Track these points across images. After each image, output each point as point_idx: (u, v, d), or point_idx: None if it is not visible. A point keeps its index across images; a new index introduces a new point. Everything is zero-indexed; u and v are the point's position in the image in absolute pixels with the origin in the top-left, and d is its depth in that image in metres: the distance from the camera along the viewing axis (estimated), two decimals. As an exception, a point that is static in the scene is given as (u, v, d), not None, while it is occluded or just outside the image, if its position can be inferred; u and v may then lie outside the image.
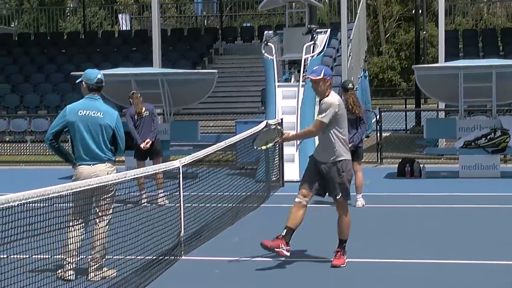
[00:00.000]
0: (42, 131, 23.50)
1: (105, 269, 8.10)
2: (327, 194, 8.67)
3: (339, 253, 8.63)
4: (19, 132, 24.72)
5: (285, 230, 8.41)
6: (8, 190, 6.43)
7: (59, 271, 7.93)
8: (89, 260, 8.09)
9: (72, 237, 7.88)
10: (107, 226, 8.09)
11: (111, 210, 8.15)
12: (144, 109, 13.58)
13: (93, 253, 8.05)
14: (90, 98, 8.36)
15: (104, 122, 8.19)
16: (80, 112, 8.23)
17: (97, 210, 8.06)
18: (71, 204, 7.74)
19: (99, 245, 8.01)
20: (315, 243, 9.92)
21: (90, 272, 8.02)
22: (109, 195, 8.05)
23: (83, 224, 8.07)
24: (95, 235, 8.04)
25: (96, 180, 7.37)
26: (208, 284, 8.11)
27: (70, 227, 7.87)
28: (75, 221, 7.95)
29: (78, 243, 7.97)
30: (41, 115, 25.41)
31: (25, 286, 6.49)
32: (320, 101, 8.63)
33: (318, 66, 8.77)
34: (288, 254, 8.40)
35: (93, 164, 8.14)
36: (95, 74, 8.46)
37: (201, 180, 10.87)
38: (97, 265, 8.03)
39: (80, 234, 8.00)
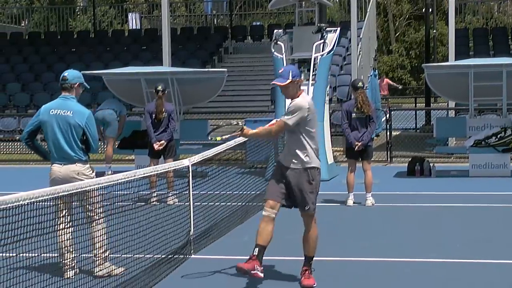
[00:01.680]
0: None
1: (114, 267, 8.14)
2: (293, 206, 7.95)
3: (307, 272, 7.92)
4: (29, 131, 24.75)
5: (257, 249, 7.69)
6: (18, 189, 6.43)
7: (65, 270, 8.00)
8: (93, 259, 8.14)
9: (62, 241, 7.90)
10: (101, 226, 8.08)
11: (100, 209, 8.11)
12: (163, 110, 13.57)
13: (94, 253, 8.11)
14: (63, 97, 8.36)
15: (73, 121, 8.17)
16: (52, 111, 8.27)
17: (87, 213, 8.07)
18: (54, 208, 7.76)
19: (98, 247, 8.06)
20: (324, 243, 9.92)
21: (97, 271, 8.06)
22: (94, 196, 8.00)
23: (69, 225, 8.08)
24: (93, 237, 8.08)
25: (103, 179, 7.38)
26: (218, 283, 8.11)
27: (59, 231, 7.90)
28: (61, 224, 7.97)
29: (69, 245, 7.99)
30: (51, 114, 25.44)
31: (34, 285, 6.50)
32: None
33: (283, 68, 7.93)
34: (263, 275, 7.66)
35: (63, 164, 8.19)
36: (63, 73, 8.47)
37: (210, 179, 10.88)
38: (99, 262, 8.07)
39: (68, 237, 7.99)
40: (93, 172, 8.32)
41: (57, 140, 8.20)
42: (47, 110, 8.32)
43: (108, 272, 8.05)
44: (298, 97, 7.80)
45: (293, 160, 7.74)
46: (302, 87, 8.04)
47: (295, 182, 7.73)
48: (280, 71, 7.87)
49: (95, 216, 8.04)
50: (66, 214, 8.04)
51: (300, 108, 7.68)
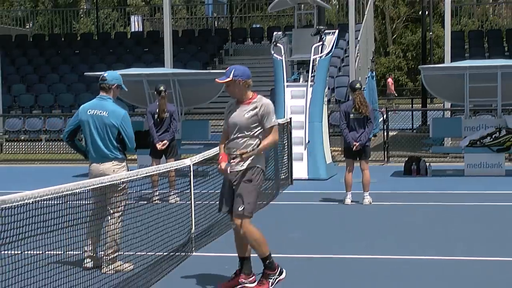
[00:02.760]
0: (57, 130, 23.92)
1: (120, 262, 8.25)
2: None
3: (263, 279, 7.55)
4: (34, 131, 25.01)
5: (239, 263, 7.63)
6: (23, 188, 6.49)
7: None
8: (102, 255, 8.30)
9: (90, 232, 8.18)
10: (118, 223, 8.23)
11: (121, 207, 8.29)
12: (165, 110, 13.82)
13: (104, 248, 8.26)
14: (100, 97, 8.54)
15: (109, 121, 8.33)
16: (89, 111, 8.44)
17: (108, 207, 8.23)
18: (90, 201, 7.98)
19: (110, 241, 8.20)
20: (323, 241, 10.16)
21: (104, 267, 8.18)
22: (118, 192, 8.18)
23: (100, 219, 8.30)
24: (107, 231, 8.24)
25: (107, 178, 7.45)
26: (218, 280, 8.10)
27: (89, 222, 8.13)
28: (92, 216, 8.20)
29: (96, 236, 8.24)
30: (56, 114, 25.71)
31: (38, 282, 6.52)
32: (236, 103, 7.55)
33: (229, 67, 7.49)
34: (255, 284, 7.59)
35: (101, 163, 8.36)
36: (103, 73, 8.67)
37: (211, 178, 10.98)
38: (109, 259, 8.20)
39: (97, 229, 8.23)
40: (128, 171, 8.35)
41: (94, 139, 8.36)
42: (85, 110, 8.48)
43: (117, 271, 8.09)
44: (251, 98, 7.51)
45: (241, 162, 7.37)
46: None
47: (236, 183, 7.41)
48: (226, 70, 7.54)
49: (113, 213, 8.21)
50: (101, 207, 8.20)
51: (271, 105, 7.52)
